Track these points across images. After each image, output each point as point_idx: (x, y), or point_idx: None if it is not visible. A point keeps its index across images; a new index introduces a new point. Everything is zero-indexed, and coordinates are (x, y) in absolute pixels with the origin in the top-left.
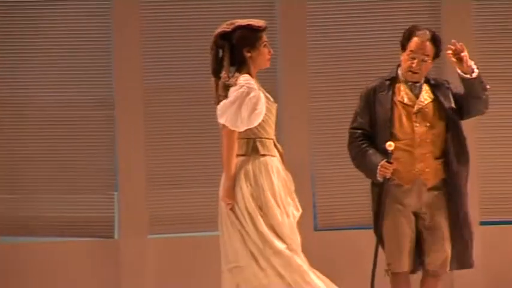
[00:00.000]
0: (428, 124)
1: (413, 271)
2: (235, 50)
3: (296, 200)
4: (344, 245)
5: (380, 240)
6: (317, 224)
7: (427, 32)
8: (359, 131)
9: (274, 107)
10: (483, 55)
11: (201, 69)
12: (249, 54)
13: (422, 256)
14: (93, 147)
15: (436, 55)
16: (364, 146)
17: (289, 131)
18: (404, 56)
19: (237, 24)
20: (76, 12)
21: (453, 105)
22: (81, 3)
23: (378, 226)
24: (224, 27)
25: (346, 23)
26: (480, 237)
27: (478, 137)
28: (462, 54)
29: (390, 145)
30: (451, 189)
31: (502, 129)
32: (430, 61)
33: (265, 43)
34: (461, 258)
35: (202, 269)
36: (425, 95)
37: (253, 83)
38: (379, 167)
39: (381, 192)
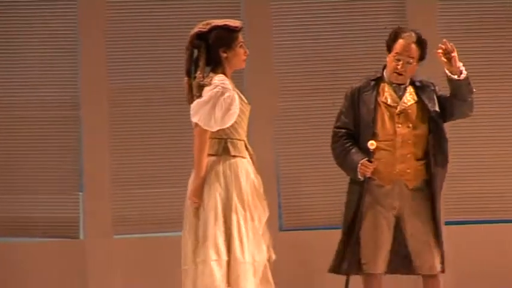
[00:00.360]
0: (410, 125)
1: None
2: (211, 50)
3: (265, 202)
4: (310, 245)
5: (344, 237)
6: (282, 224)
7: (413, 34)
8: (343, 130)
9: (247, 109)
10: None
11: (167, 70)
12: (224, 55)
13: (410, 258)
14: (58, 148)
15: (422, 57)
16: (347, 145)
17: (255, 130)
18: (389, 58)
19: (213, 24)
20: (41, 13)
21: (437, 107)
22: (47, 4)
23: (351, 224)
24: (200, 27)
25: (312, 23)
26: (446, 238)
27: None
28: (452, 54)
29: (372, 144)
30: (432, 190)
31: (466, 129)
32: (415, 63)
33: (241, 44)
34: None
35: (167, 269)
36: (409, 97)
37: (228, 83)
38: (359, 165)
39: (361, 191)
